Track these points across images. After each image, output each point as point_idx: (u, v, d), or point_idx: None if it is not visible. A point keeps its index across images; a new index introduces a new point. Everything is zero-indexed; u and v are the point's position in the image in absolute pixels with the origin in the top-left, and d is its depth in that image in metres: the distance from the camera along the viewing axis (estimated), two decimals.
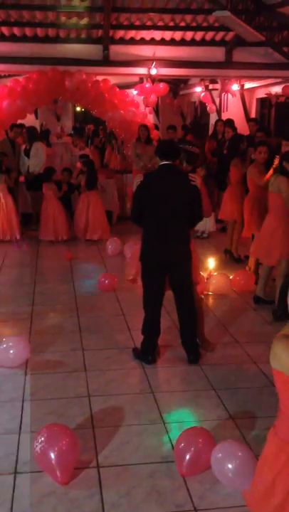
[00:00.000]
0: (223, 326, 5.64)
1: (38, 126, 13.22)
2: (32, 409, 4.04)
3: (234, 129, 9.72)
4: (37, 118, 14.68)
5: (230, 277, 6.81)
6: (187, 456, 3.28)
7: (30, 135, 10.03)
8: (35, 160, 9.85)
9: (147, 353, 4.81)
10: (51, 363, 4.77)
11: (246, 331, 5.53)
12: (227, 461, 3.19)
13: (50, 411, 4.01)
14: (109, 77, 11.68)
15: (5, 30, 10.94)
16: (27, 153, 9.91)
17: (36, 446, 3.27)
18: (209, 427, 3.71)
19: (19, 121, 11.13)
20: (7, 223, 9.26)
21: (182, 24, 11.05)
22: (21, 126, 10.81)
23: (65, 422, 3.73)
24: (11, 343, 4.71)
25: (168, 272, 4.69)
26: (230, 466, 3.17)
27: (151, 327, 4.84)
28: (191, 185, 4.53)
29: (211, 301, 6.48)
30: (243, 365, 4.79)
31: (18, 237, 9.28)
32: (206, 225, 9.39)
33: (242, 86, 13.95)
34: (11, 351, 4.66)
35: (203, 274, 6.74)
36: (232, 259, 7.99)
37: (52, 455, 3.19)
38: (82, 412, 4.01)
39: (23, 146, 10.12)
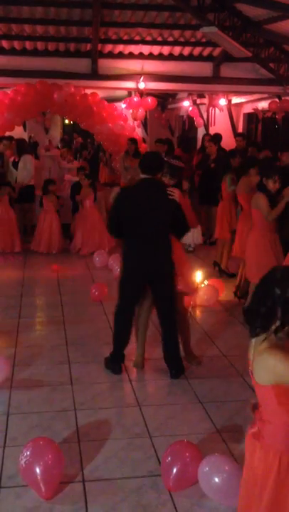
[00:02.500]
0: (209, 339, 5.64)
1: (26, 139, 13.24)
2: (17, 423, 4.00)
3: (216, 143, 9.78)
4: (25, 130, 14.70)
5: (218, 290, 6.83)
6: (174, 471, 3.26)
7: (19, 147, 10.04)
8: (24, 172, 9.85)
9: (116, 362, 4.81)
10: (37, 377, 4.74)
11: (233, 345, 5.53)
12: (214, 475, 3.17)
13: (35, 425, 3.98)
14: (98, 90, 11.75)
15: None
16: (15, 165, 9.91)
17: (21, 460, 3.23)
18: (196, 440, 3.70)
19: (7, 134, 11.13)
20: (9, 236, 9.28)
21: (170, 39, 11.17)
22: (11, 138, 10.81)
23: (50, 435, 3.69)
24: None
25: (151, 284, 4.70)
26: (217, 480, 3.15)
27: (122, 337, 4.84)
28: (169, 199, 4.55)
29: (198, 313, 6.49)
30: (230, 378, 4.79)
31: (19, 249, 9.29)
32: (192, 238, 9.41)
33: (229, 101, 14.09)
34: None
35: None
36: (220, 271, 7.99)
37: (36, 469, 3.15)
38: (68, 425, 3.98)
39: (12, 158, 10.12)
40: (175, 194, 4.55)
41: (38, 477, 3.15)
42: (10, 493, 3.24)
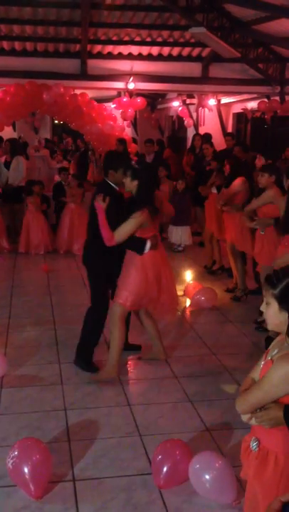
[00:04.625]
0: (200, 339, 5.67)
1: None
2: (7, 423, 4.00)
3: (212, 145, 9.82)
4: (15, 131, 14.66)
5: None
6: (164, 468, 3.27)
7: (12, 148, 9.98)
8: (15, 173, 9.82)
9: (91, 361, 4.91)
10: (27, 377, 4.73)
11: (223, 343, 5.56)
12: (204, 473, 3.19)
13: (25, 425, 3.98)
14: (87, 90, 11.76)
15: None
16: (7, 165, 9.87)
17: (9, 461, 3.24)
18: (186, 439, 3.71)
19: None
20: None
21: (159, 40, 11.22)
22: (0, 138, 10.78)
23: (41, 435, 3.70)
24: None
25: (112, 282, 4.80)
26: (207, 477, 3.17)
27: (99, 335, 4.95)
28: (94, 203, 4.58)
29: (187, 312, 6.51)
30: (219, 376, 4.81)
31: (7, 248, 9.30)
32: (182, 238, 9.44)
33: (219, 101, 14.16)
34: None
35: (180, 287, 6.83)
36: (210, 273, 8.01)
37: (25, 469, 3.15)
38: (58, 425, 3.98)
39: (3, 159, 10.08)
40: (98, 199, 4.48)
41: (27, 477, 3.15)
42: (0, 494, 3.24)
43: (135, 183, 4.49)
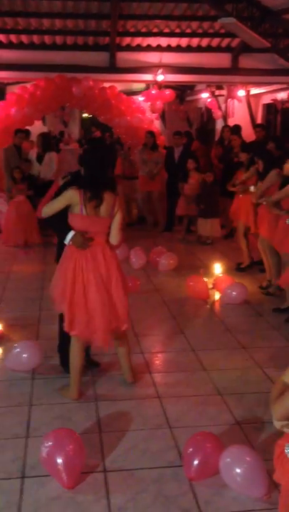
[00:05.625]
0: (229, 332, 5.66)
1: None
2: (39, 414, 4.07)
3: (240, 136, 9.73)
4: (45, 125, 14.80)
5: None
6: (195, 461, 3.29)
7: (45, 143, 10.05)
8: (48, 168, 9.91)
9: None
10: (58, 368, 4.79)
11: (253, 337, 5.54)
12: (235, 466, 3.20)
13: (57, 415, 4.04)
14: (116, 83, 11.76)
15: (13, 37, 11.05)
16: (40, 159, 9.94)
17: (43, 450, 3.30)
18: (216, 432, 3.71)
19: (26, 127, 11.19)
20: (29, 230, 9.44)
21: (188, 31, 11.14)
22: (26, 131, 10.84)
23: (72, 426, 3.75)
24: (23, 348, 4.72)
25: None
26: (238, 470, 3.18)
27: None
28: None
29: (217, 306, 6.50)
30: (249, 370, 4.80)
31: (38, 242, 9.44)
32: (211, 230, 9.38)
33: (248, 92, 14.00)
34: (24, 355, 4.67)
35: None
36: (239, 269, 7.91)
37: (58, 459, 3.21)
38: (89, 416, 4.03)
39: (34, 152, 10.12)
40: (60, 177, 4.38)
41: (60, 467, 3.20)
42: (33, 483, 3.30)
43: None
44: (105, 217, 4.06)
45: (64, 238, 4.06)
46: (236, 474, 3.19)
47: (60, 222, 4.09)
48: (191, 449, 3.36)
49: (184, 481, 3.32)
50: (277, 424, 2.21)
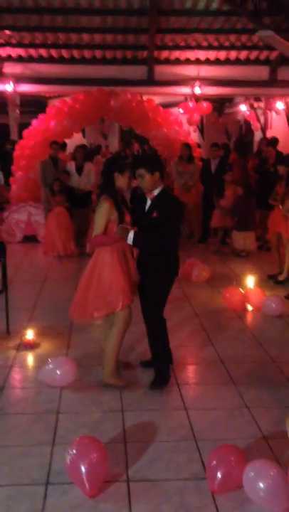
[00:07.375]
0: (260, 345, 5.60)
1: (86, 145, 13.48)
2: (66, 422, 4.11)
3: (275, 147, 9.66)
4: (84, 137, 15.03)
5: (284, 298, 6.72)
6: (219, 474, 3.28)
7: (84, 154, 10.25)
8: (87, 179, 10.07)
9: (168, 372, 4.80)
10: (87, 378, 4.83)
11: (284, 351, 5.47)
12: (259, 480, 3.17)
13: (84, 424, 4.08)
14: (154, 96, 11.88)
15: (54, 52, 11.31)
16: (79, 171, 10.09)
17: (67, 457, 3.33)
18: (242, 445, 3.69)
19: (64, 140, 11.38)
20: (67, 241, 9.61)
21: (226, 44, 11.18)
22: (61, 144, 11.01)
23: (97, 435, 3.77)
24: (58, 365, 4.72)
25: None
26: (262, 485, 3.15)
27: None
28: None
29: (247, 317, 6.45)
30: (278, 384, 4.74)
31: (74, 253, 9.60)
32: (245, 243, 9.32)
33: (287, 104, 13.90)
34: (58, 372, 4.66)
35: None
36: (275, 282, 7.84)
37: (81, 467, 3.24)
38: (115, 426, 4.06)
39: (72, 164, 10.25)
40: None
41: (83, 475, 3.23)
42: (56, 490, 3.34)
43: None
44: None
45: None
46: (259, 488, 3.16)
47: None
48: (214, 462, 3.35)
49: (207, 493, 3.30)
50: None
